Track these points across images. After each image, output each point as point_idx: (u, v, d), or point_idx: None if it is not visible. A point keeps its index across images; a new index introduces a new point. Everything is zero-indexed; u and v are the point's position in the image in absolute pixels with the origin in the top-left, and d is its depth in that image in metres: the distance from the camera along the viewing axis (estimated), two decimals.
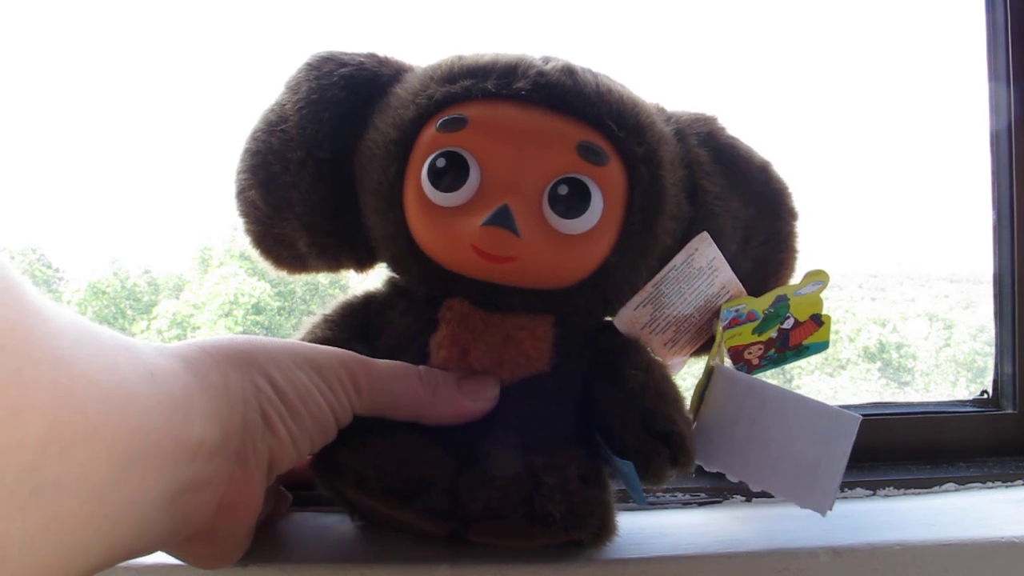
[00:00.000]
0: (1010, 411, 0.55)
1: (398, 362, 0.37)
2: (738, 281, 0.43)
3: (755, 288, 0.44)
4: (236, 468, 0.31)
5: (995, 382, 0.57)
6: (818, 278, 0.44)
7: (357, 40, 0.44)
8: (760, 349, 0.46)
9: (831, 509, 0.39)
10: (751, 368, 0.47)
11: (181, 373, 0.29)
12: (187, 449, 0.28)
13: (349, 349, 0.38)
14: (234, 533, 0.32)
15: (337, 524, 0.41)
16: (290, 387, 0.33)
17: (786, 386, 0.42)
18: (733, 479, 0.41)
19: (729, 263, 0.42)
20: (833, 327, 0.47)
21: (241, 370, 0.31)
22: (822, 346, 0.47)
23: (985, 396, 0.57)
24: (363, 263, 0.43)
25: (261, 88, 0.43)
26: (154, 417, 0.26)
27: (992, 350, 0.58)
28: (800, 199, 0.45)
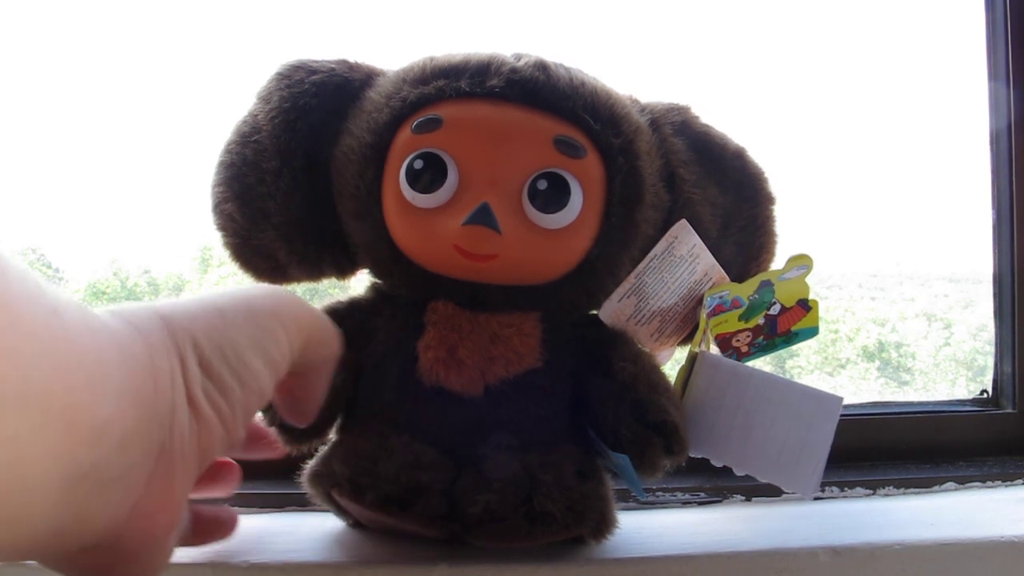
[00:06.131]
0: (1010, 410, 0.55)
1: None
2: (720, 267, 0.43)
3: (738, 275, 0.44)
4: (158, 467, 0.25)
5: (995, 381, 0.57)
6: (801, 262, 0.43)
7: (342, 44, 0.43)
8: (748, 336, 0.46)
9: (816, 492, 0.39)
10: (740, 356, 0.46)
11: (100, 336, 0.23)
12: (89, 427, 0.22)
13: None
14: (146, 549, 0.26)
15: (336, 524, 0.41)
16: (218, 356, 0.27)
17: None
18: (717, 464, 0.41)
19: (710, 250, 0.42)
20: (832, 327, 0.46)
21: (168, 343, 0.26)
22: (812, 332, 0.47)
23: (985, 395, 0.57)
24: (344, 270, 0.43)
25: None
26: (52, 371, 0.21)
27: (992, 349, 0.58)
28: (780, 186, 0.45)
